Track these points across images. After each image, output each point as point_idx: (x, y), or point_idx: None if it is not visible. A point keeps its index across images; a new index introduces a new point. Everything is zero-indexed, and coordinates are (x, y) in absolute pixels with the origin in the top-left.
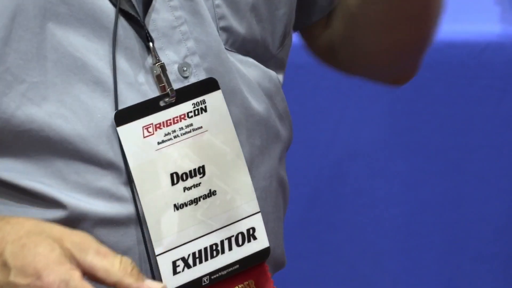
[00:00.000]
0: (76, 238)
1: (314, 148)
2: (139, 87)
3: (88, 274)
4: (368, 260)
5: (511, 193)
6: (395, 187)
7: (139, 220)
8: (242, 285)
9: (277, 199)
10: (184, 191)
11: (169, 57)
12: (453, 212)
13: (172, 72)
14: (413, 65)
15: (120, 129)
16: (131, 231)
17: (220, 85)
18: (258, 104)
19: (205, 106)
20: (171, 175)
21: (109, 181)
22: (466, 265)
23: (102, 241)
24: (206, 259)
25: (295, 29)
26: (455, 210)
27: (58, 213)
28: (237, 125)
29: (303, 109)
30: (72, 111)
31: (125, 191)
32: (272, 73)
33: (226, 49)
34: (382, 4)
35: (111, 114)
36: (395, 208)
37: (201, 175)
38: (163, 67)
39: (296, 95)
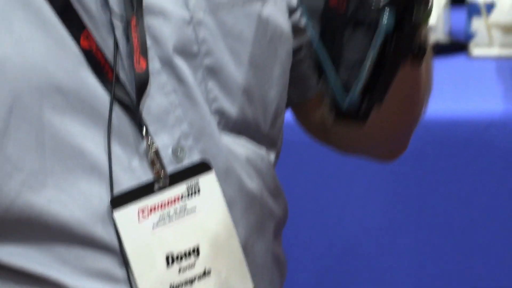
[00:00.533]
0: None
1: (322, 225)
2: (133, 172)
3: None
4: None
5: None
6: (403, 263)
7: (128, 279)
8: None
9: (273, 275)
10: (179, 272)
11: (163, 140)
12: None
13: (166, 155)
14: (404, 142)
15: (116, 214)
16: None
17: (214, 166)
18: (251, 183)
19: (199, 188)
20: (166, 257)
21: (107, 264)
22: None
23: None
24: None
25: (288, 105)
26: (461, 283)
27: None
28: (231, 204)
29: (311, 186)
30: (71, 197)
31: (122, 273)
32: (263, 152)
33: (219, 130)
34: None
35: (107, 199)
36: (402, 285)
37: (196, 256)
38: (156, 152)
39: (305, 171)
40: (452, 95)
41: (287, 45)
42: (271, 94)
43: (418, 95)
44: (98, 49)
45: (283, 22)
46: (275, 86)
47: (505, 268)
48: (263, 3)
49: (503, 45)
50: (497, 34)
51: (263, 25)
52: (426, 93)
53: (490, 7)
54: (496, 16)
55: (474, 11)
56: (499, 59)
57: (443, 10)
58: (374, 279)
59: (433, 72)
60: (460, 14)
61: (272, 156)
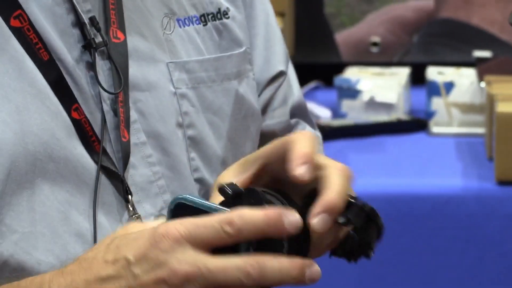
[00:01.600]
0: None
1: None
2: None
3: None
4: None
5: None
6: None
7: None
8: None
9: None
10: None
11: (146, 210)
12: None
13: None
14: None
15: None
16: None
17: None
18: None
19: None
20: None
21: None
22: None
23: None
24: None
25: None
26: None
27: None
28: None
29: None
30: (59, 260)
31: None
32: None
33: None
34: None
35: None
36: None
37: None
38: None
39: None
40: (413, 171)
41: (257, 122)
42: None
43: None
44: (87, 121)
45: (254, 101)
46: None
47: None
48: (239, 82)
49: (462, 123)
50: (456, 113)
51: (239, 101)
52: None
53: (449, 87)
54: (455, 95)
55: (433, 90)
56: (457, 137)
57: (404, 89)
58: None
59: None
60: (421, 93)
61: None
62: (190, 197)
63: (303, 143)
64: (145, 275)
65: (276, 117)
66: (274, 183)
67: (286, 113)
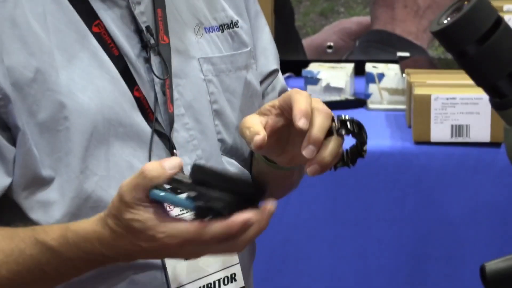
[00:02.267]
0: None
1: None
2: None
3: None
4: None
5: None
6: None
7: (163, 266)
8: None
9: (250, 254)
10: None
11: (185, 160)
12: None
13: (187, 170)
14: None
15: None
16: (158, 273)
17: None
18: None
19: None
20: None
21: None
22: None
23: (139, 280)
24: None
25: None
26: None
27: None
28: None
29: None
30: None
31: None
32: (245, 171)
33: (221, 153)
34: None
35: None
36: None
37: None
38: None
39: None
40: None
41: (259, 100)
42: None
43: (290, 185)
44: (144, 99)
45: (257, 85)
46: None
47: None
48: (247, 71)
49: (389, 102)
50: (385, 95)
51: (247, 85)
52: (294, 185)
53: (381, 77)
54: (385, 82)
55: (370, 79)
56: (386, 111)
57: (350, 78)
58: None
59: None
60: (361, 81)
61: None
62: (161, 193)
63: (301, 100)
64: (162, 254)
65: (270, 100)
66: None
67: (275, 95)
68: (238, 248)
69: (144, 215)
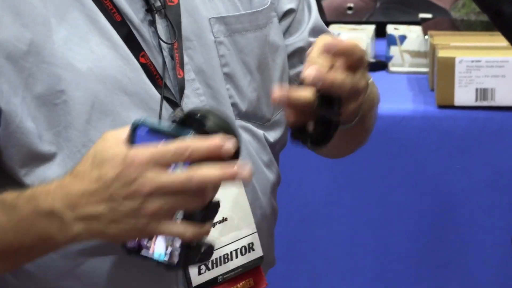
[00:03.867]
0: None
1: (289, 190)
2: None
3: None
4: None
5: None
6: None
7: None
8: (244, 282)
9: (270, 219)
10: None
11: None
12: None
13: None
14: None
15: None
16: None
17: None
18: (253, 156)
19: None
20: None
21: None
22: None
23: None
24: (221, 264)
25: None
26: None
27: None
28: None
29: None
30: None
31: None
32: (259, 134)
33: (235, 118)
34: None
35: None
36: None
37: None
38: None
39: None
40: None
41: (282, 55)
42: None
43: (364, 137)
44: (152, 64)
45: (279, 39)
46: (276, 85)
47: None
48: (268, 28)
49: (411, 65)
50: (407, 57)
51: (266, 44)
52: (369, 134)
53: (402, 39)
54: (407, 45)
55: (391, 41)
56: (408, 74)
57: (371, 40)
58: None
59: (375, 121)
60: (382, 43)
61: (270, 136)
62: (149, 121)
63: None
64: (118, 191)
65: (295, 41)
66: None
67: (305, 35)
68: (206, 183)
69: (119, 146)
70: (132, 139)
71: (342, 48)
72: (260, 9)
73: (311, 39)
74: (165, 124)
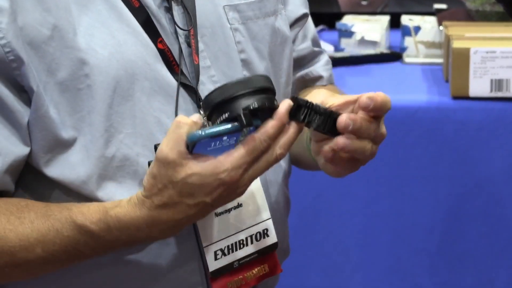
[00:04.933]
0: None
1: (303, 181)
2: None
3: None
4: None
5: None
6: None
7: (194, 224)
8: (259, 267)
9: (283, 208)
10: None
11: None
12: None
13: None
14: None
15: None
16: (189, 231)
17: None
18: None
19: None
20: None
21: None
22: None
23: (170, 239)
24: (236, 250)
25: None
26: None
27: None
28: None
29: None
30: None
31: None
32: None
33: None
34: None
35: None
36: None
37: None
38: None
39: None
40: (391, 89)
41: (289, 45)
42: (282, 80)
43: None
44: (169, 50)
45: (287, 30)
46: (284, 75)
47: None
48: (276, 18)
49: (426, 55)
50: (421, 48)
51: (275, 32)
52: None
53: (417, 29)
54: (421, 35)
55: (406, 32)
56: (423, 65)
57: (385, 31)
58: (336, 210)
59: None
60: (397, 34)
61: None
62: (200, 132)
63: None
64: (222, 200)
65: (303, 47)
66: None
67: (309, 43)
68: (285, 152)
69: (197, 166)
70: (192, 150)
71: (379, 105)
72: None
73: (315, 48)
74: (219, 126)
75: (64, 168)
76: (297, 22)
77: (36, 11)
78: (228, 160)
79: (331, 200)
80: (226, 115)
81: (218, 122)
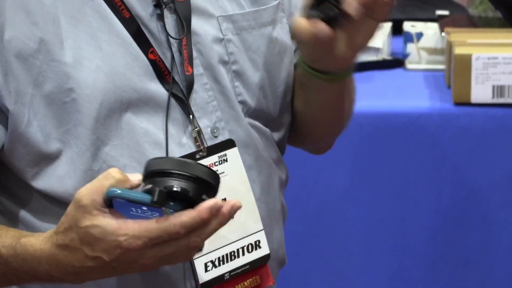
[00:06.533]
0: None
1: (305, 187)
2: (183, 146)
3: None
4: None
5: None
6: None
7: None
8: (251, 279)
9: (279, 216)
10: None
11: (204, 123)
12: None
13: (207, 133)
14: (330, 144)
15: None
16: None
17: (238, 140)
18: (262, 154)
19: (226, 158)
20: None
21: None
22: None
23: None
24: (227, 261)
25: None
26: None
27: None
28: (249, 167)
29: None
30: (140, 163)
31: None
32: (268, 133)
33: (243, 116)
34: (316, 109)
35: None
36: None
37: None
38: (199, 131)
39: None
40: (393, 95)
41: (289, 54)
42: (279, 90)
43: (343, 112)
44: (161, 60)
45: (287, 39)
46: (282, 85)
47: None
48: (273, 27)
49: (428, 62)
50: (424, 54)
51: (273, 42)
52: (349, 115)
53: (419, 36)
54: (423, 42)
55: (408, 38)
56: (425, 71)
57: (387, 37)
58: (338, 219)
59: (354, 102)
60: (399, 40)
61: (275, 136)
62: (118, 190)
63: None
64: (121, 266)
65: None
66: None
67: None
68: (201, 244)
69: (103, 220)
70: (110, 205)
71: None
72: (264, 7)
73: None
74: (137, 193)
75: (51, 181)
76: None
77: (24, 24)
78: (132, 227)
79: (333, 206)
80: (149, 186)
81: (142, 190)
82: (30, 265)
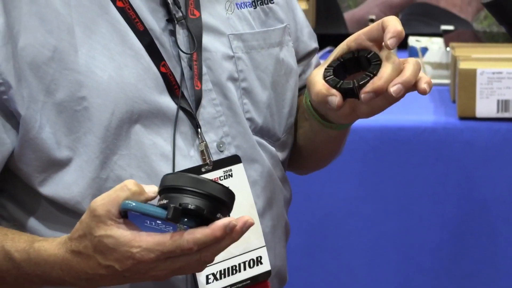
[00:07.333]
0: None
1: (310, 200)
2: (190, 159)
3: None
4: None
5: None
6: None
7: None
8: None
9: (282, 234)
10: None
11: (211, 137)
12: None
13: (212, 147)
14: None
15: None
16: None
17: (244, 156)
18: (268, 170)
19: (232, 173)
20: None
21: None
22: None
23: None
24: (228, 275)
25: None
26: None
27: None
28: (254, 183)
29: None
30: (147, 174)
31: None
32: (273, 151)
33: (252, 133)
34: (311, 145)
35: None
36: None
37: None
38: (206, 145)
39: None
40: (398, 109)
41: (295, 77)
42: (285, 111)
43: (334, 154)
44: (171, 74)
45: (292, 61)
46: (287, 106)
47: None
48: (280, 48)
49: (433, 76)
50: (428, 69)
51: (279, 62)
52: (339, 153)
53: (424, 50)
54: (428, 56)
55: (413, 53)
56: None
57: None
58: (343, 232)
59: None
60: (404, 55)
61: (280, 155)
62: (133, 203)
63: (396, 24)
64: (133, 275)
65: (305, 78)
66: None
67: (312, 68)
68: (212, 258)
69: (117, 231)
70: (125, 216)
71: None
72: (272, 28)
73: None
74: (152, 207)
75: (58, 187)
76: (308, 55)
77: (39, 32)
78: (146, 240)
79: (338, 220)
80: (165, 201)
81: (157, 204)
82: (43, 270)
